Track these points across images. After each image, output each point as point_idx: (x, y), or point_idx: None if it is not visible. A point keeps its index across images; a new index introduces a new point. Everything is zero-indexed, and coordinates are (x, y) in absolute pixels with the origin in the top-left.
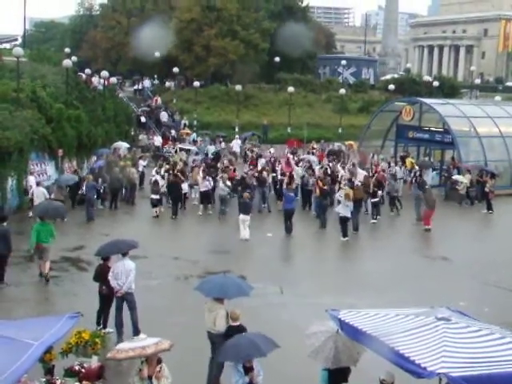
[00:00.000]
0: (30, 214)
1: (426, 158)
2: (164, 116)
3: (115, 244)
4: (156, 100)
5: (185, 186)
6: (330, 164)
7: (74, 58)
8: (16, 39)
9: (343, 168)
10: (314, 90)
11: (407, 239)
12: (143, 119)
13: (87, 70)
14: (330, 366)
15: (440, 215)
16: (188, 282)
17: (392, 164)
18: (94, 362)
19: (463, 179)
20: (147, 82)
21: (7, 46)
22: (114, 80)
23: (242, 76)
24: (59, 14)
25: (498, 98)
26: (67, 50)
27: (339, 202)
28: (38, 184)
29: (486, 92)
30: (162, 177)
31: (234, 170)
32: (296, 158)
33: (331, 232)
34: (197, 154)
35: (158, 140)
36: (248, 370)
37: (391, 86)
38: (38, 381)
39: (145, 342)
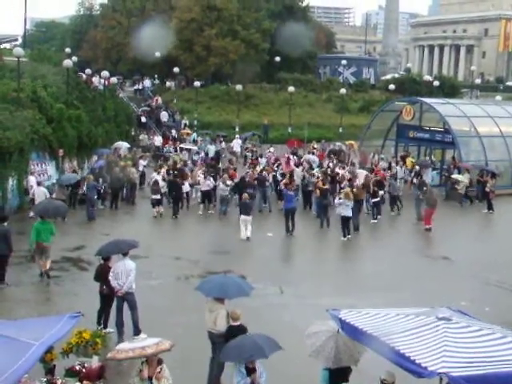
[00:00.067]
0: (31, 213)
1: (427, 158)
2: (164, 116)
3: (116, 244)
4: (156, 100)
5: (186, 186)
6: (331, 164)
7: (74, 58)
8: (16, 39)
9: (343, 168)
10: (314, 89)
11: (408, 239)
12: (143, 119)
13: (88, 70)
14: (330, 366)
15: (441, 215)
16: (188, 281)
17: (393, 164)
18: (94, 362)
19: (463, 179)
20: (148, 82)
21: (8, 46)
22: (114, 80)
23: (242, 76)
24: (60, 13)
25: (498, 97)
26: (68, 49)
27: (340, 204)
28: (38, 184)
29: (487, 92)
30: (163, 177)
31: (235, 170)
32: (296, 158)
33: (332, 232)
34: (197, 153)
35: (158, 140)
36: (250, 371)
37: (392, 86)
38: (39, 381)
39: (145, 343)
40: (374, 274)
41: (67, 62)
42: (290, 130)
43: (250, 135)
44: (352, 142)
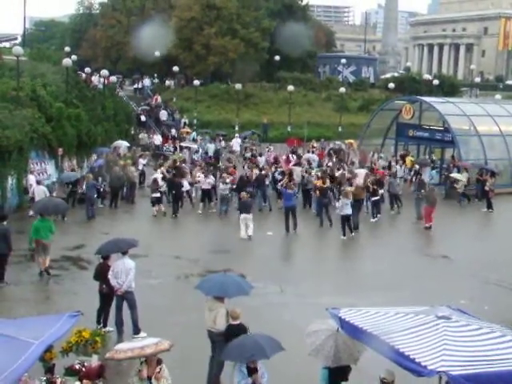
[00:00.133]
0: (30, 212)
1: (426, 157)
2: (163, 115)
3: (115, 243)
4: (156, 99)
5: (186, 184)
6: (330, 163)
7: (73, 57)
8: (16, 38)
9: (342, 169)
10: (313, 88)
11: (407, 238)
12: (143, 118)
13: (87, 69)
14: (330, 365)
15: (440, 214)
16: (188, 280)
17: (393, 163)
18: (94, 361)
19: (461, 177)
20: (147, 81)
21: (7, 44)
22: (113, 79)
23: (241, 75)
24: (59, 12)
25: (498, 96)
26: (67, 48)
27: (340, 205)
28: (38, 182)
29: (486, 90)
30: (163, 175)
31: (234, 167)
32: (295, 157)
33: (331, 231)
34: (196, 152)
35: (157, 139)
36: (252, 371)
37: (391, 85)
38: (39, 379)
39: (144, 343)
40: (374, 273)
41: (67, 61)
42: (289, 128)
43: (249, 134)
44: (351, 140)
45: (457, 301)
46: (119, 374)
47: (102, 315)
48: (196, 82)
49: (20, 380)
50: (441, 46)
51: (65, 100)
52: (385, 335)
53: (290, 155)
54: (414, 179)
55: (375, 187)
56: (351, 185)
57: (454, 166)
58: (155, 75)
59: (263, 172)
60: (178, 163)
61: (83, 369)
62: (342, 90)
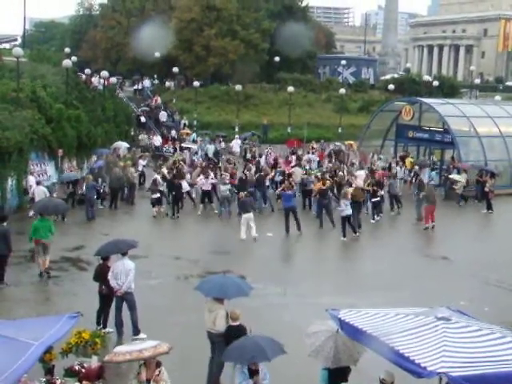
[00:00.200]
0: (30, 213)
1: (425, 158)
2: (163, 116)
3: (115, 244)
4: (156, 100)
5: (185, 185)
6: (330, 164)
7: (73, 58)
8: (16, 39)
9: (342, 170)
10: (313, 89)
11: (407, 239)
12: (143, 119)
13: (87, 70)
14: (330, 366)
15: (440, 215)
16: (188, 281)
17: (393, 164)
18: (93, 362)
19: (460, 178)
20: (147, 82)
21: (7, 46)
22: (113, 80)
23: (241, 76)
24: (59, 13)
25: (497, 97)
26: (67, 49)
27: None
28: (38, 183)
29: (486, 92)
30: (163, 177)
31: (235, 168)
32: (295, 158)
33: (331, 232)
34: (196, 153)
35: (157, 140)
36: (253, 372)
37: (391, 86)
38: (38, 381)
39: (143, 345)
40: (374, 274)
41: (66, 62)
42: (289, 129)
43: (249, 135)
44: (351, 142)
45: (456, 301)
46: (119, 375)
47: (101, 316)
48: (196, 83)
49: (20, 381)
50: (441, 48)
51: (65, 101)
52: (384, 336)
53: (290, 156)
54: (413, 180)
55: (375, 188)
56: (351, 186)
57: (454, 168)
58: (155, 76)
59: (262, 173)
60: (178, 164)
61: (83, 370)
62: (342, 91)
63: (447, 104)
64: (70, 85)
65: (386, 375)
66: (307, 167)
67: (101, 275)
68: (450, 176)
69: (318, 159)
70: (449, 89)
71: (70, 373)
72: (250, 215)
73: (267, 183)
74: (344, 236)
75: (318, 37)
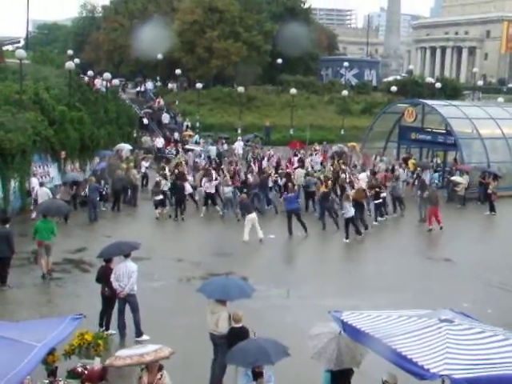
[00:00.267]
0: (33, 215)
1: (428, 160)
2: (166, 118)
3: (117, 245)
4: (158, 102)
5: (188, 187)
6: (333, 166)
7: (76, 60)
8: (19, 41)
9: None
10: (316, 91)
11: (410, 240)
12: (146, 121)
13: (90, 72)
14: (332, 368)
15: (443, 217)
16: (190, 283)
17: (396, 167)
18: (96, 364)
19: (462, 180)
20: (150, 84)
21: (10, 47)
22: (116, 82)
23: (244, 78)
24: (62, 16)
25: (500, 99)
26: (70, 52)
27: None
28: (41, 184)
29: (489, 93)
30: (165, 177)
31: (236, 164)
32: (297, 160)
33: (334, 234)
34: (199, 155)
35: (160, 142)
36: (257, 375)
37: (394, 88)
38: (41, 382)
39: (144, 350)
40: (377, 275)
41: (69, 64)
42: (291, 131)
43: (251, 137)
44: (354, 143)
45: (459, 303)
46: (121, 376)
47: (104, 318)
48: (198, 85)
49: (23, 383)
50: (443, 49)
51: (67, 103)
52: (387, 338)
53: (293, 158)
54: (416, 182)
55: (377, 190)
56: (353, 187)
57: (457, 169)
58: (158, 78)
59: (265, 175)
60: (180, 166)
61: (85, 372)
62: (345, 92)
63: (450, 106)
64: (73, 87)
65: (389, 377)
66: (309, 169)
67: (103, 277)
68: (452, 178)
69: (320, 161)
70: (451, 91)
71: (72, 374)
72: (254, 216)
73: (270, 184)
74: (347, 238)
75: (320, 39)
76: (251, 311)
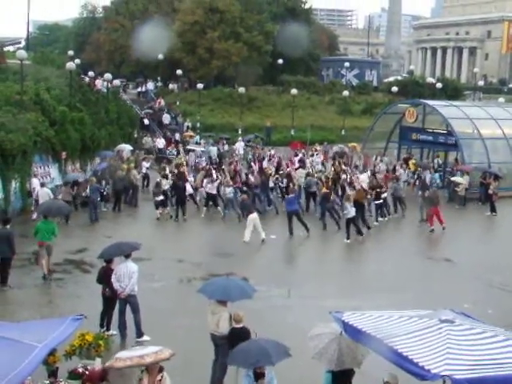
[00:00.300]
0: (34, 216)
1: (429, 160)
2: (166, 118)
3: (118, 246)
4: (159, 102)
5: (189, 188)
6: (334, 166)
7: (77, 61)
8: (20, 42)
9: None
10: (317, 92)
11: (411, 241)
12: (146, 121)
13: (91, 73)
14: (333, 368)
15: (443, 217)
16: (191, 284)
17: (397, 167)
18: (97, 365)
19: (462, 181)
20: (150, 85)
21: (11, 48)
22: (117, 82)
23: (245, 78)
24: (63, 16)
25: (501, 99)
26: (71, 52)
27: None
28: (42, 185)
29: (490, 94)
30: (165, 177)
31: (237, 163)
32: (298, 160)
33: (335, 234)
34: (200, 156)
35: (161, 142)
36: (258, 376)
37: (394, 88)
38: (42, 383)
39: (144, 351)
40: (378, 276)
41: (70, 65)
42: (292, 132)
43: (252, 138)
44: (355, 144)
45: (460, 304)
46: (122, 376)
47: (105, 318)
48: (199, 86)
49: (23, 383)
50: (444, 50)
51: (68, 104)
52: (388, 339)
53: (293, 158)
54: (417, 182)
55: (378, 190)
56: (354, 188)
57: (458, 170)
58: (158, 79)
59: (266, 175)
60: (181, 167)
61: (86, 372)
62: (346, 93)
63: (451, 106)
64: (74, 87)
65: (390, 377)
66: (310, 169)
67: (104, 277)
68: (453, 178)
69: (321, 161)
70: (452, 91)
71: (73, 375)
72: (255, 216)
73: (271, 184)
74: (348, 238)
75: (321, 39)
76: (252, 312)
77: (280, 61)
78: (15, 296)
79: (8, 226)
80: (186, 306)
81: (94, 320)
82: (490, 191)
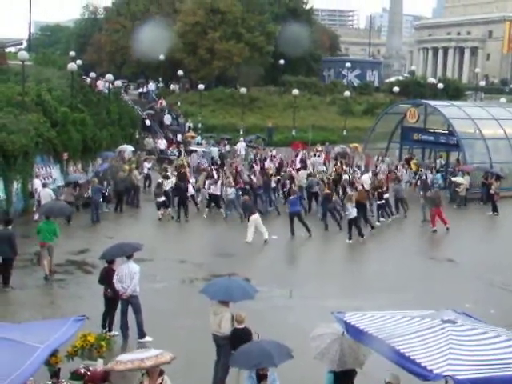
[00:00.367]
0: (36, 216)
1: (430, 160)
2: (167, 119)
3: (120, 247)
4: (161, 103)
5: (190, 189)
6: (336, 167)
7: (78, 62)
8: (21, 43)
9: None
10: (318, 92)
11: (413, 241)
12: (148, 122)
13: (92, 74)
14: (335, 369)
15: (446, 217)
16: (193, 284)
17: (399, 167)
18: (99, 365)
19: (462, 181)
20: (152, 85)
21: (12, 49)
22: (118, 83)
23: (246, 79)
24: (64, 17)
25: (503, 99)
26: (72, 53)
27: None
28: (44, 186)
29: (491, 94)
30: (166, 177)
31: (238, 170)
32: (299, 161)
33: (337, 234)
34: (202, 156)
35: (162, 143)
36: (261, 377)
37: (396, 89)
38: (44, 383)
39: (145, 354)
40: (379, 276)
41: (72, 66)
42: (294, 132)
43: (254, 138)
44: (356, 144)
45: (462, 304)
46: (124, 378)
47: (107, 319)
48: (201, 86)
49: None
50: (445, 50)
51: (70, 105)
52: (390, 339)
53: (295, 159)
54: (418, 182)
55: (380, 191)
56: (356, 189)
57: (459, 170)
58: (160, 79)
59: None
60: (182, 167)
61: (88, 373)
62: (347, 93)
63: (452, 106)
64: (75, 88)
65: (392, 378)
66: (311, 170)
67: (106, 278)
68: (453, 179)
69: (323, 162)
70: (454, 91)
71: (75, 376)
72: (257, 217)
73: (273, 185)
74: (350, 238)
75: (322, 39)
76: (254, 312)
77: (281, 61)
78: (17, 297)
79: (10, 227)
80: (188, 306)
81: (95, 321)
82: (492, 191)
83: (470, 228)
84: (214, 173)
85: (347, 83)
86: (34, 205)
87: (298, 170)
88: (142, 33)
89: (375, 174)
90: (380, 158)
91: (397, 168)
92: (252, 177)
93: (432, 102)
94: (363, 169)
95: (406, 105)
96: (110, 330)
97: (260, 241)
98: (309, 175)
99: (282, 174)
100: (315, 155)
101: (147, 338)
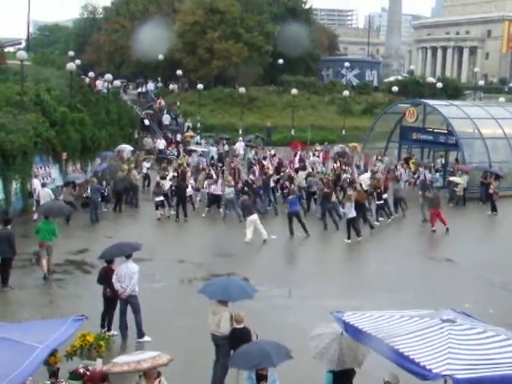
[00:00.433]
0: (35, 216)
1: (429, 160)
2: (166, 119)
3: (119, 246)
4: (159, 102)
5: (189, 189)
6: (335, 165)
7: (77, 61)
8: (20, 42)
9: (346, 172)
10: (317, 91)
11: (412, 241)
12: (147, 122)
13: (91, 73)
14: (334, 368)
15: (446, 217)
16: (192, 284)
17: (398, 167)
18: (98, 365)
19: (460, 180)
20: (151, 85)
21: (11, 49)
22: (117, 83)
23: (245, 78)
24: (63, 17)
25: (501, 99)
26: (71, 53)
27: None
28: (43, 185)
29: (490, 93)
30: (163, 177)
31: (236, 170)
32: (298, 161)
33: (335, 234)
34: (201, 156)
35: (161, 143)
36: (261, 377)
37: (395, 88)
38: (43, 383)
39: (141, 356)
40: (379, 276)
41: (70, 66)
42: (293, 132)
43: (253, 138)
44: (355, 144)
45: (461, 304)
46: (123, 378)
47: (106, 319)
48: (200, 86)
49: None
50: (444, 49)
51: (69, 104)
52: (389, 338)
53: (294, 158)
54: (417, 182)
55: (379, 191)
56: (355, 189)
57: (458, 170)
58: (159, 79)
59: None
60: (182, 167)
61: (87, 373)
62: (346, 93)
63: (451, 106)
64: (74, 88)
65: (391, 377)
66: (310, 170)
67: (105, 278)
68: (451, 178)
69: (321, 161)
70: (453, 90)
71: (74, 376)
72: (255, 217)
73: (272, 184)
74: (348, 238)
75: (321, 39)
76: (253, 312)
77: (280, 61)
78: (16, 296)
79: (9, 227)
80: (187, 306)
81: (94, 320)
82: (491, 191)
83: (469, 228)
84: (213, 172)
85: (346, 83)
86: (32, 204)
87: (297, 170)
88: (141, 33)
89: (373, 174)
90: (378, 158)
91: (396, 167)
92: (251, 176)
93: (431, 102)
94: (362, 168)
95: (404, 104)
96: (109, 330)
97: (259, 240)
98: (308, 175)
99: (281, 174)
100: (314, 155)
101: (146, 338)
